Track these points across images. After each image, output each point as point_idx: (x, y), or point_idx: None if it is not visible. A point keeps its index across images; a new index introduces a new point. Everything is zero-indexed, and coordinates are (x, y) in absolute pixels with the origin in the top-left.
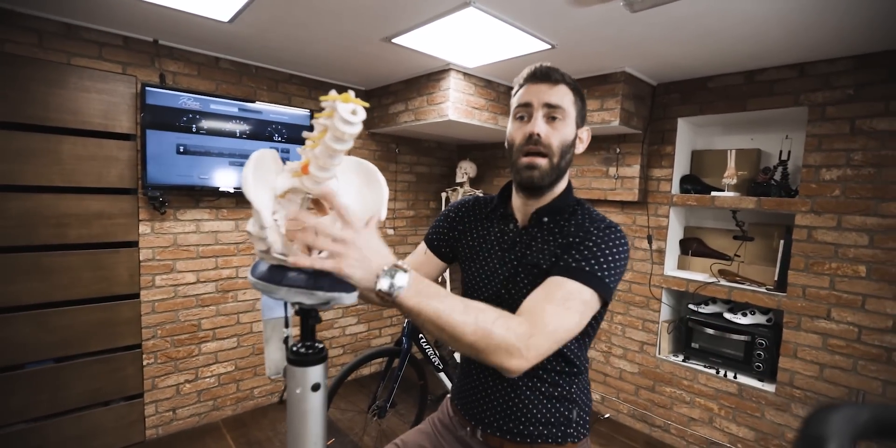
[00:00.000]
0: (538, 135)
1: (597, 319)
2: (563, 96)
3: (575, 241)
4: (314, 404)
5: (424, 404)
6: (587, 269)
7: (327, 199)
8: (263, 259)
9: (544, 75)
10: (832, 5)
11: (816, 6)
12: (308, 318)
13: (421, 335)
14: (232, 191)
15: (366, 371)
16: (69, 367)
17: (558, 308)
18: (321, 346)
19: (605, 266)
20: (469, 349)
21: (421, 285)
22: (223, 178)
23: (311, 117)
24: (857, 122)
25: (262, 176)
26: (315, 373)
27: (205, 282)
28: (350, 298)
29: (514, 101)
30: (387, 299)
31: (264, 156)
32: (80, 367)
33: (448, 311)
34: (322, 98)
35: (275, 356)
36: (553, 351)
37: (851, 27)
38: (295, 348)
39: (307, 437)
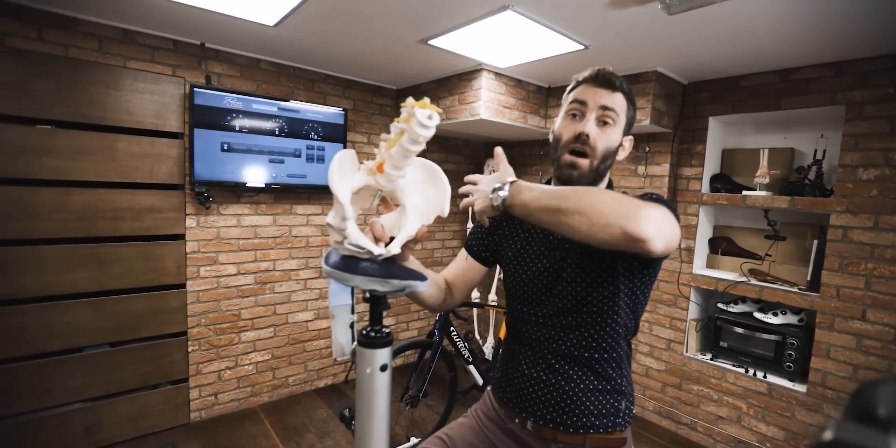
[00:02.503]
0: (587, 135)
1: (647, 293)
2: (618, 103)
3: None
4: (382, 382)
5: (454, 396)
6: (650, 197)
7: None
8: (336, 249)
9: (606, 80)
10: (871, 5)
11: (854, 6)
12: (378, 304)
13: (452, 328)
14: (270, 187)
15: (393, 364)
16: (123, 352)
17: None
18: (388, 330)
19: (667, 203)
20: (581, 222)
21: (522, 185)
22: (263, 175)
23: (345, 116)
24: None
25: (344, 173)
26: (383, 355)
27: (245, 273)
28: (423, 286)
29: (569, 98)
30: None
31: (346, 155)
32: (132, 352)
33: (551, 191)
34: (402, 104)
35: (341, 339)
36: (673, 235)
37: (892, 26)
38: (365, 332)
39: (375, 412)
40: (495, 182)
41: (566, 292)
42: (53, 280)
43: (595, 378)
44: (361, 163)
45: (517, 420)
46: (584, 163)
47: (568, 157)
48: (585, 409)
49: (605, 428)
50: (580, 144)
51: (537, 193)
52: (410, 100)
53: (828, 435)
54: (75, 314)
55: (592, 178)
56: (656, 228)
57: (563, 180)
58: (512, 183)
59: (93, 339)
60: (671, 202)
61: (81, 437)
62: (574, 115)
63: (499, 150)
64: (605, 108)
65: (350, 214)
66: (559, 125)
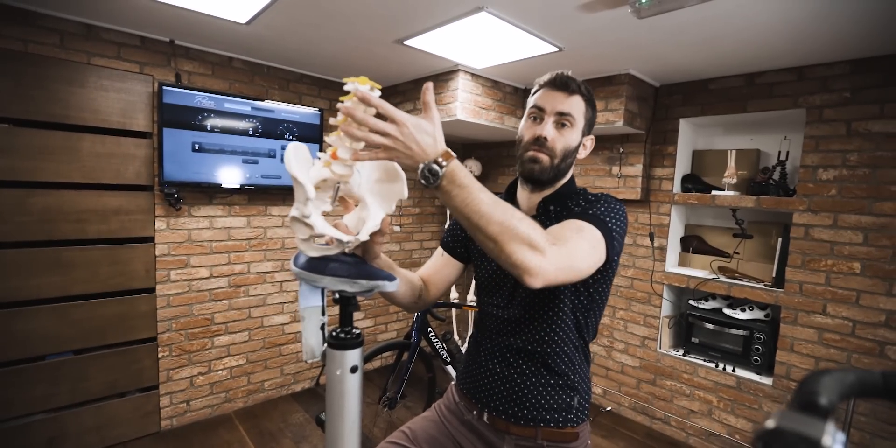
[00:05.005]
0: (545, 138)
1: (601, 296)
2: (574, 106)
3: (580, 205)
4: (352, 384)
5: (433, 396)
6: (591, 212)
7: (380, 107)
8: (304, 251)
9: (563, 84)
10: (832, 13)
11: (818, 13)
12: (347, 305)
13: (430, 329)
14: (244, 188)
15: (371, 366)
16: (88, 359)
17: (574, 234)
18: (358, 331)
19: (609, 216)
20: (491, 241)
21: (457, 177)
22: (236, 176)
23: (321, 116)
24: (853, 125)
25: (301, 160)
26: (353, 356)
27: (218, 277)
28: (391, 286)
29: (531, 102)
30: (429, 186)
31: (299, 146)
32: (98, 359)
33: (477, 200)
34: (345, 79)
35: (311, 342)
36: (568, 275)
37: (849, 33)
38: (335, 333)
39: (346, 415)
40: (423, 137)
41: (516, 286)
42: (13, 285)
43: (547, 372)
44: (318, 158)
45: (475, 412)
46: (545, 159)
47: (529, 153)
48: (537, 403)
49: (557, 422)
50: (538, 146)
51: (465, 196)
52: (350, 78)
53: (770, 423)
54: (37, 321)
55: (553, 175)
56: (546, 276)
57: (526, 175)
58: (448, 163)
59: (56, 346)
60: (617, 214)
61: None
62: (534, 119)
63: (428, 87)
64: (561, 113)
65: (312, 194)
66: (522, 127)
